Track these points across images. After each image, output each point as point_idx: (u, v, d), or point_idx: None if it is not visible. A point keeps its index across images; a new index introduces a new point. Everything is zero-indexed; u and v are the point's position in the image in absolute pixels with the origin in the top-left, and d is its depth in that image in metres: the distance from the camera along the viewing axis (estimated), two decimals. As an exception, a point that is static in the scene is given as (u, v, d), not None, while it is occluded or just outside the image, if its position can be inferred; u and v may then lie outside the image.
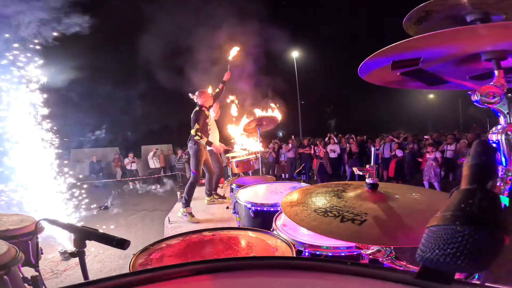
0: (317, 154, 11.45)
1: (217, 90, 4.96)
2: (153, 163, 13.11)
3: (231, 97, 6.19)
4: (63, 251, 5.12)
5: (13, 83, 5.55)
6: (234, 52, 5.35)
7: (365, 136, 12.84)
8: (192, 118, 4.37)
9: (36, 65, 5.92)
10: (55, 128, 6.23)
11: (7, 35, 5.49)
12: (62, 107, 6.41)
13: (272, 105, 5.79)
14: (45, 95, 6.03)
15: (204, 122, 4.42)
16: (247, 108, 6.40)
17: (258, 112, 5.73)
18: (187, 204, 4.26)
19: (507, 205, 0.80)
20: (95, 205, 8.58)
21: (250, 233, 1.51)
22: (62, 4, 5.78)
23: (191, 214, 4.24)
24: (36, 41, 5.88)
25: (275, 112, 5.66)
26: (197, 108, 4.43)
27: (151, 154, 13.27)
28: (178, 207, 4.63)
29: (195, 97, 4.56)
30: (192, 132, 4.29)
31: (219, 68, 6.62)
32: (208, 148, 5.12)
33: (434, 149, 8.99)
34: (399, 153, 9.83)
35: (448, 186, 8.85)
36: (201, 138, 4.29)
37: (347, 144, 11.60)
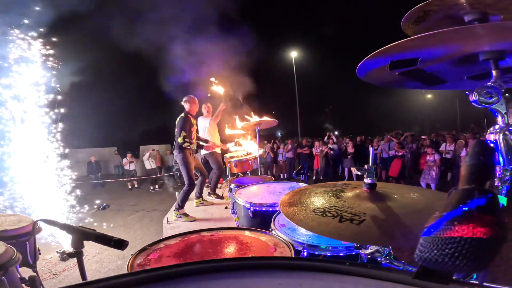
0: (315, 154, 11.48)
1: (216, 113, 5.11)
2: (149, 164, 13.05)
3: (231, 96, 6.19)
4: (61, 251, 5.10)
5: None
6: (225, 90, 5.59)
7: (363, 136, 12.86)
8: (177, 125, 4.28)
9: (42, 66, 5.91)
10: (53, 128, 6.21)
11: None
12: (60, 107, 6.36)
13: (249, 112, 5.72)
14: (44, 96, 6.01)
15: (190, 130, 4.31)
16: (245, 109, 6.36)
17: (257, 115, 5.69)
18: (179, 208, 4.26)
19: (505, 205, 0.81)
20: (93, 205, 8.55)
21: (248, 233, 1.50)
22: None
23: (185, 214, 4.25)
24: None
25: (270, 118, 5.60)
26: (182, 115, 4.34)
27: (146, 155, 13.21)
28: (177, 207, 4.63)
29: (183, 102, 4.49)
30: (179, 140, 4.20)
31: (217, 70, 6.61)
32: (205, 152, 5.10)
33: (434, 151, 8.95)
34: (401, 152, 9.78)
35: (446, 186, 8.87)
36: (190, 143, 4.22)
37: (344, 144, 11.65)
